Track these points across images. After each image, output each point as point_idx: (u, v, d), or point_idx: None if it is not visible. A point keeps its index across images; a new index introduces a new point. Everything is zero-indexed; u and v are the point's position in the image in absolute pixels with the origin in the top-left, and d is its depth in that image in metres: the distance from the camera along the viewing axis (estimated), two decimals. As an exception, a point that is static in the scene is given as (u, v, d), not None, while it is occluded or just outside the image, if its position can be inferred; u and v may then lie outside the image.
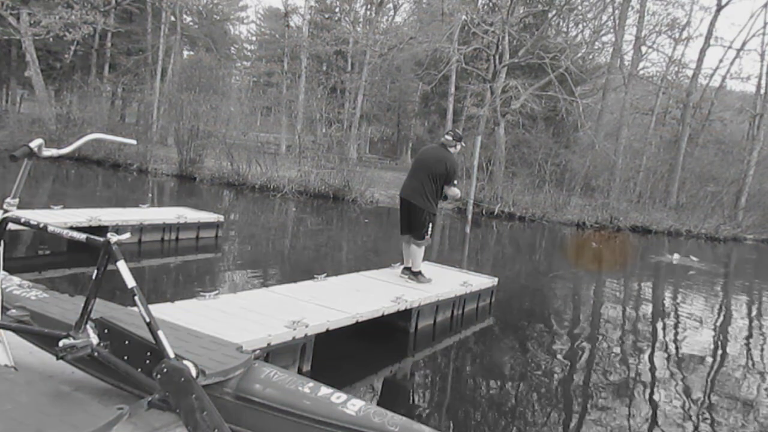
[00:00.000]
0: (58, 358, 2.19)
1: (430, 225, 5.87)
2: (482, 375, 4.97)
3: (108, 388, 2.42)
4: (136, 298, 2.06)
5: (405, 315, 5.25)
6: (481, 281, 6.52)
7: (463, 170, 15.47)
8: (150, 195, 13.90)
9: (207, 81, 18.81)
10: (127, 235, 2.36)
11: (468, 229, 12.25)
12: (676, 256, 12.02)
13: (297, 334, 3.97)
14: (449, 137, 5.93)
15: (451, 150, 5.88)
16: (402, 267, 6.16)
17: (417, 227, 5.83)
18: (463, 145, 6.11)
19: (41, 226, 2.41)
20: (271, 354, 3.73)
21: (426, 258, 7.58)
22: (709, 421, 4.34)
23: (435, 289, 5.77)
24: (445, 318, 5.87)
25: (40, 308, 2.60)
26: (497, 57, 18.82)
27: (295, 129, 20.92)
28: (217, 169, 17.54)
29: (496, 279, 6.76)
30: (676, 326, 7.32)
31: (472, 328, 6.12)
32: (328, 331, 4.28)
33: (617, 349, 6.00)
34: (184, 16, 28.75)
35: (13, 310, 2.57)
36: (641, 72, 25.26)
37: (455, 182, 5.90)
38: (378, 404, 2.26)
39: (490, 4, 21.93)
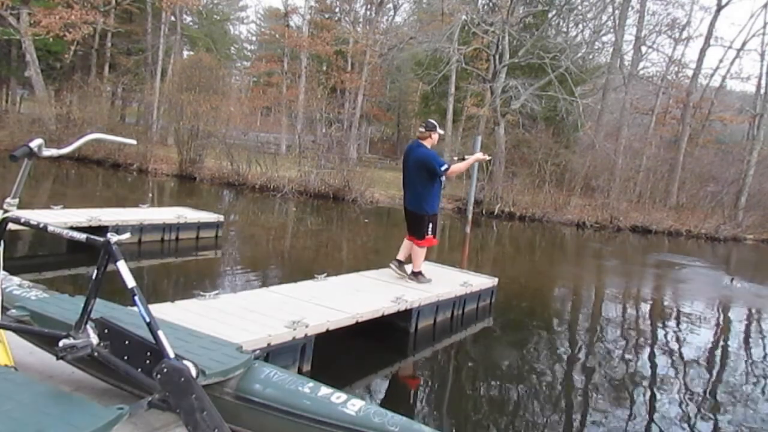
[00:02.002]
0: (58, 358, 2.19)
1: (430, 225, 5.85)
2: (482, 375, 4.97)
3: (108, 388, 2.42)
4: (136, 298, 2.05)
5: (405, 315, 5.25)
6: (482, 281, 6.52)
7: (463, 170, 15.35)
8: (150, 195, 13.89)
9: (207, 81, 18.72)
10: (127, 235, 2.37)
11: (468, 229, 12.24)
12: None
13: (297, 334, 3.97)
14: (422, 129, 5.84)
15: (428, 141, 5.75)
16: (396, 261, 6.11)
17: (417, 229, 5.88)
18: (440, 132, 5.88)
19: (41, 226, 2.41)
20: (271, 354, 3.73)
21: (426, 258, 7.56)
22: (710, 421, 4.34)
23: (435, 289, 5.77)
24: (445, 318, 5.87)
25: (40, 308, 2.60)
26: (497, 57, 18.82)
27: (295, 129, 20.91)
28: (217, 169, 17.53)
29: (496, 279, 6.76)
30: (676, 326, 7.32)
31: (473, 328, 6.12)
32: (328, 331, 4.28)
33: (617, 349, 6.00)
34: (184, 16, 28.72)
35: (13, 310, 2.58)
36: (641, 72, 25.28)
37: (445, 166, 5.61)
38: (378, 404, 2.26)
39: (490, 4, 21.94)
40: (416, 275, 5.94)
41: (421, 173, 5.68)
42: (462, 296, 6.06)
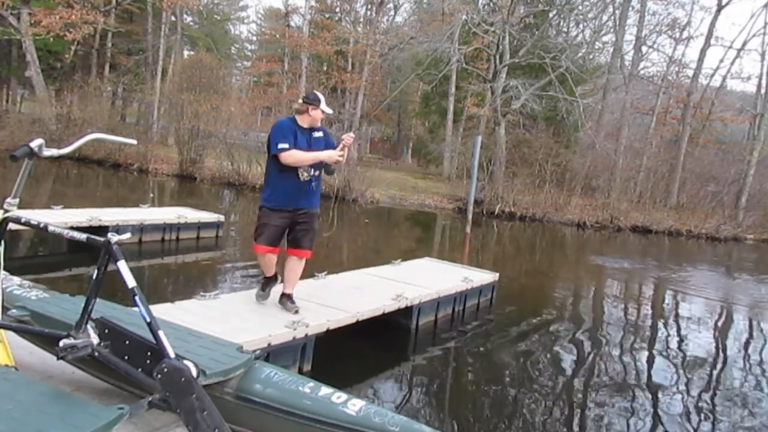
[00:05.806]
0: (58, 358, 2.19)
1: (258, 219, 4.35)
2: (483, 373, 4.96)
3: (108, 388, 2.42)
4: (137, 298, 2.05)
5: (406, 313, 5.25)
6: (483, 277, 6.53)
7: (463, 170, 15.35)
8: (150, 195, 13.89)
9: (207, 81, 18.70)
10: (127, 235, 2.36)
11: (468, 229, 12.23)
12: None
13: (297, 334, 3.97)
14: (299, 101, 4.33)
15: (303, 118, 4.25)
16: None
17: None
18: (326, 111, 4.33)
19: (42, 225, 2.41)
20: (271, 354, 3.73)
21: (427, 255, 7.57)
22: (710, 420, 4.34)
23: (436, 285, 5.77)
24: (446, 314, 5.87)
25: (40, 308, 2.60)
26: (497, 57, 18.82)
27: (296, 129, 20.79)
28: (217, 169, 17.54)
29: (497, 274, 6.76)
30: (677, 326, 7.31)
31: (474, 324, 6.11)
32: (328, 330, 4.28)
33: (618, 348, 6.00)
34: (185, 16, 28.73)
35: (14, 310, 2.57)
36: (641, 72, 25.28)
37: (281, 145, 4.09)
38: (378, 404, 2.26)
39: (491, 4, 21.94)
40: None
41: (269, 153, 4.25)
42: (463, 292, 6.06)
